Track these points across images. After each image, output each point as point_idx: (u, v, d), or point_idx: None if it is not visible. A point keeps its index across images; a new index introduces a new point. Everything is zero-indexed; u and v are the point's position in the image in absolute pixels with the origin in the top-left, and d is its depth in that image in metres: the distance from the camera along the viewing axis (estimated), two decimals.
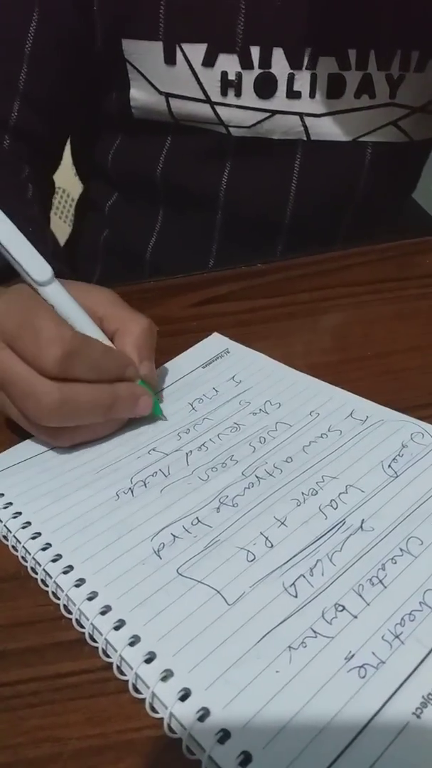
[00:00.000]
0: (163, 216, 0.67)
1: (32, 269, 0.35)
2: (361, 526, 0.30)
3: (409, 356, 0.45)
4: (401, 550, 0.29)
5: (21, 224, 0.50)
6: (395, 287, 0.53)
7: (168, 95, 0.58)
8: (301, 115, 0.58)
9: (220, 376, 0.42)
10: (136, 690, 0.26)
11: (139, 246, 0.68)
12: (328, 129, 0.59)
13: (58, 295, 0.36)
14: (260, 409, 0.38)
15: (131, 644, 0.26)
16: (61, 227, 0.95)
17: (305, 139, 0.60)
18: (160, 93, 0.58)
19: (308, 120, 0.58)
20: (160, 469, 0.35)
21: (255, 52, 0.55)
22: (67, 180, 0.85)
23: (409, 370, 0.43)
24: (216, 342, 0.45)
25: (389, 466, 0.33)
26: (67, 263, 0.51)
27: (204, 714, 0.24)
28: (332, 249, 0.59)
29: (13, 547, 0.32)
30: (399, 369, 0.43)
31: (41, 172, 0.62)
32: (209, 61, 0.56)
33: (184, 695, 0.24)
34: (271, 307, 0.52)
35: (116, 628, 0.27)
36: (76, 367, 0.34)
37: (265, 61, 0.56)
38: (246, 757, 0.22)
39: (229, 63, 0.56)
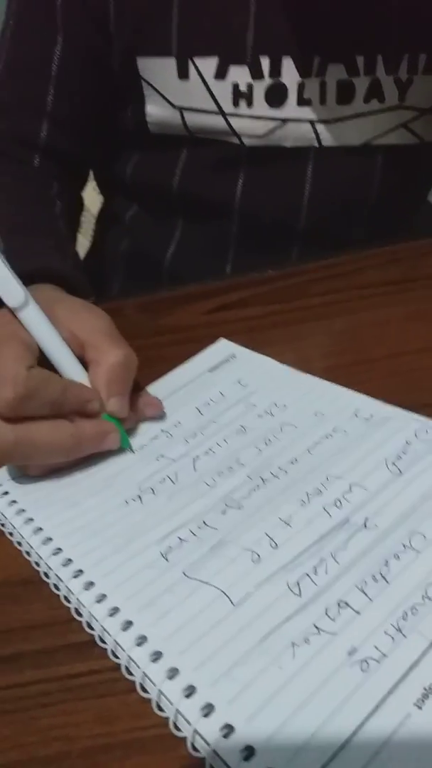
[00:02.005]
0: (181, 226, 0.68)
1: (5, 294, 0.35)
2: (365, 524, 0.31)
3: (420, 357, 0.45)
4: (404, 546, 0.29)
5: (43, 236, 0.51)
6: (406, 288, 0.53)
7: (182, 109, 0.59)
8: (312, 122, 0.59)
9: (226, 380, 0.42)
10: (144, 689, 0.26)
11: (159, 255, 0.70)
12: (339, 135, 0.60)
13: (32, 319, 0.36)
14: (266, 412, 0.39)
15: (138, 644, 0.27)
16: (80, 241, 0.97)
17: (317, 145, 0.60)
18: (175, 107, 0.60)
19: (319, 126, 0.59)
20: (167, 476, 0.36)
21: (265, 62, 0.56)
22: (85, 195, 0.87)
23: (420, 370, 0.43)
24: (222, 347, 0.46)
25: (393, 463, 0.34)
26: (87, 278, 0.52)
27: (209, 711, 0.24)
28: (345, 253, 0.59)
29: (26, 552, 0.33)
30: (410, 369, 0.43)
31: (70, 189, 0.65)
32: (221, 74, 0.57)
33: (190, 693, 0.25)
34: (282, 312, 0.52)
35: (124, 629, 0.28)
36: (30, 408, 0.34)
37: (275, 70, 0.57)
38: (250, 752, 0.23)
39: (240, 74, 0.57)
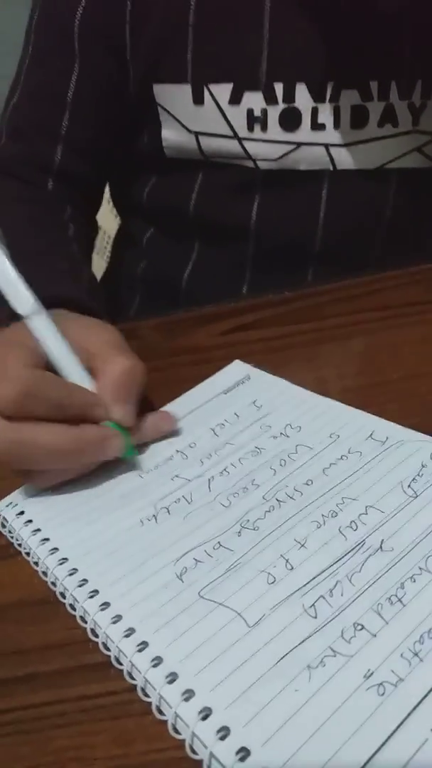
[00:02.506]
0: (197, 248, 0.69)
1: (14, 301, 0.36)
2: (381, 547, 0.31)
3: None
4: (420, 568, 0.29)
5: (56, 261, 0.52)
6: (425, 309, 0.53)
7: (198, 134, 0.61)
8: (326, 146, 0.60)
9: (241, 401, 0.42)
10: (160, 711, 0.26)
11: (175, 276, 0.70)
12: (353, 158, 0.61)
13: (41, 327, 0.37)
14: (281, 433, 0.39)
15: (154, 666, 0.27)
16: (97, 263, 0.98)
17: (331, 169, 0.61)
18: (190, 132, 0.61)
19: (333, 150, 0.60)
20: (183, 496, 0.36)
21: (279, 88, 0.57)
22: (102, 217, 0.89)
23: None
24: (237, 369, 0.46)
25: (409, 486, 0.34)
26: (102, 300, 0.52)
27: (225, 733, 0.24)
28: (362, 274, 0.59)
29: (43, 572, 0.33)
30: (427, 392, 0.43)
31: (84, 213, 0.66)
32: (235, 99, 0.58)
33: (206, 715, 0.25)
34: (298, 334, 0.52)
35: (140, 650, 0.28)
36: (32, 407, 0.34)
37: (289, 96, 0.58)
38: None
39: (254, 100, 0.58)
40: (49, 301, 0.43)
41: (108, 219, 0.83)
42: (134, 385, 0.38)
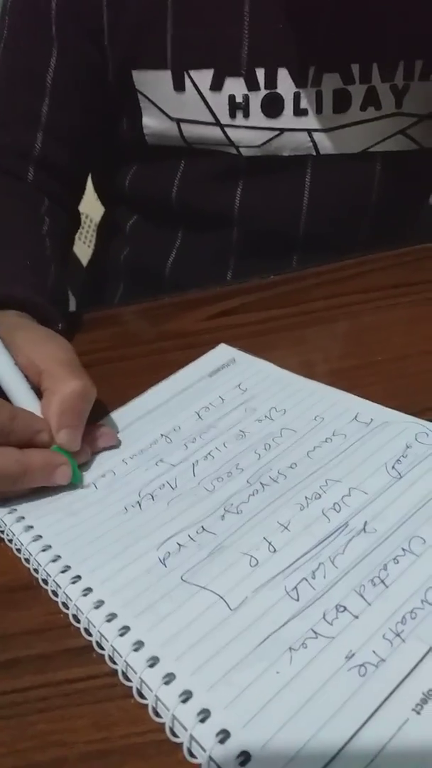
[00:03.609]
0: (181, 235, 0.68)
1: None
2: (364, 528, 0.30)
3: (424, 359, 0.44)
4: (404, 549, 0.29)
5: (19, 259, 0.50)
6: (408, 292, 0.53)
7: (179, 121, 0.60)
8: (309, 131, 0.59)
9: (226, 385, 0.42)
10: (141, 695, 0.26)
11: (159, 264, 0.70)
12: (336, 143, 0.60)
13: None
14: (265, 416, 0.39)
15: (135, 650, 0.27)
16: (83, 250, 0.97)
17: (315, 154, 0.60)
18: (172, 119, 0.60)
19: (316, 135, 0.59)
20: (167, 482, 0.36)
21: (260, 74, 0.57)
22: (88, 204, 0.88)
23: (423, 373, 0.43)
24: (222, 352, 0.46)
25: (393, 467, 0.33)
26: (66, 301, 0.50)
27: (205, 716, 0.24)
28: (348, 257, 0.59)
29: (26, 559, 0.33)
30: (412, 373, 0.43)
31: (64, 204, 0.64)
32: (217, 86, 0.57)
33: (186, 698, 0.25)
34: (284, 317, 0.52)
35: (121, 635, 0.28)
36: None
37: (271, 82, 0.57)
38: (246, 758, 0.23)
39: (235, 86, 0.57)
40: (2, 300, 0.42)
41: (94, 206, 0.82)
42: (82, 408, 0.37)
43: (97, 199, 0.80)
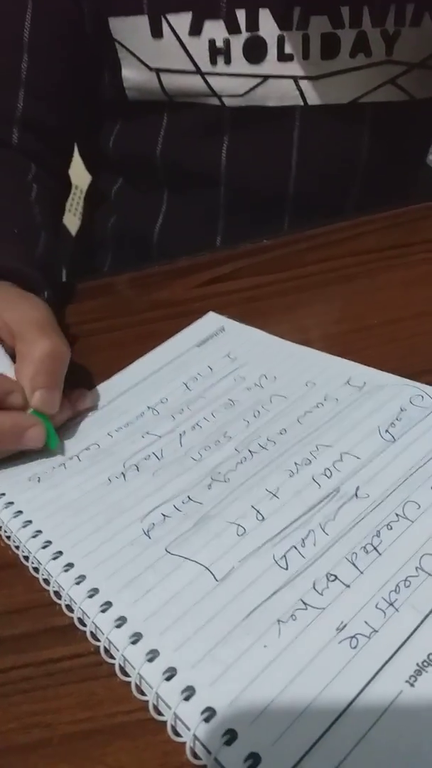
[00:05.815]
0: (167, 198, 0.66)
1: None
2: (356, 494, 0.29)
3: (419, 322, 0.43)
4: (397, 515, 0.28)
5: (6, 226, 0.49)
6: (403, 253, 0.52)
7: (158, 71, 0.57)
8: (295, 78, 0.56)
9: (215, 354, 0.41)
10: (124, 672, 0.25)
11: (146, 229, 0.68)
12: (324, 92, 0.58)
13: None
14: (255, 384, 0.37)
15: (118, 626, 0.26)
16: (72, 221, 0.95)
17: (302, 104, 0.58)
18: (151, 69, 0.57)
19: (303, 83, 0.57)
20: (153, 452, 0.34)
21: (241, 15, 0.54)
22: (76, 175, 0.86)
23: (418, 335, 0.42)
24: (211, 321, 0.44)
25: (387, 431, 0.32)
26: (55, 269, 0.49)
27: (190, 693, 0.23)
28: (341, 219, 0.57)
29: (7, 536, 0.32)
30: (407, 336, 0.42)
31: (52, 169, 0.62)
32: (196, 30, 0.55)
33: (170, 675, 0.24)
34: (277, 282, 0.51)
35: (103, 611, 0.26)
36: None
37: (253, 23, 0.54)
38: (232, 736, 0.22)
39: (215, 29, 0.54)
40: None
41: (83, 176, 0.80)
42: (57, 368, 0.35)
43: (86, 169, 0.78)
